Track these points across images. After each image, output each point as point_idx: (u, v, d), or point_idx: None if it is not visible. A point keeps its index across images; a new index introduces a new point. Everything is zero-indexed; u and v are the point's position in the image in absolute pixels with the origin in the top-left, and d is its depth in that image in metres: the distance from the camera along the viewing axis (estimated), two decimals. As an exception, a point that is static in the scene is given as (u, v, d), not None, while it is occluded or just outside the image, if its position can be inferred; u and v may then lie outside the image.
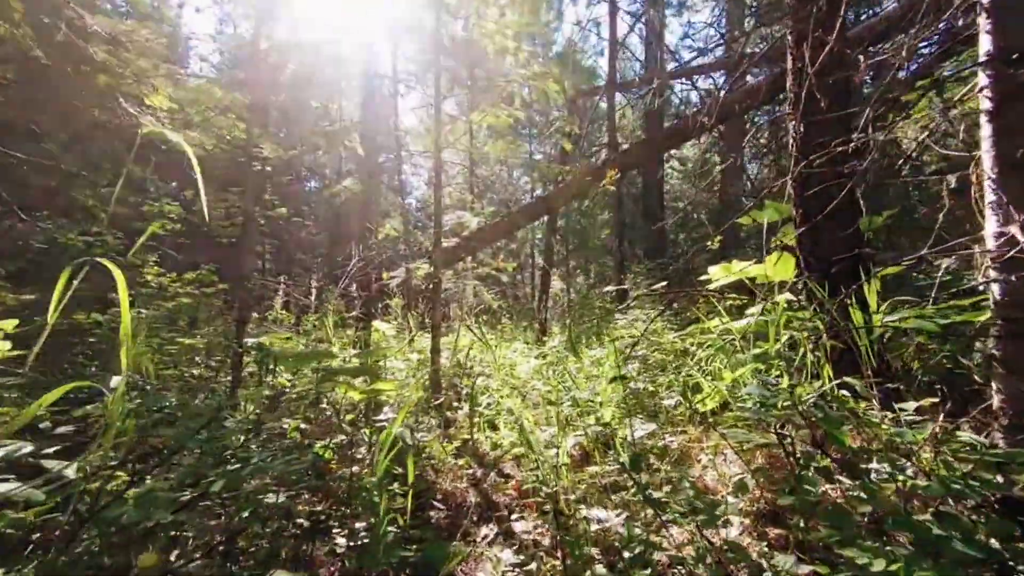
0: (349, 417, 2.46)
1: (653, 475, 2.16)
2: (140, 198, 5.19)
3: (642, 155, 5.82)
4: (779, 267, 2.72)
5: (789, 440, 1.29)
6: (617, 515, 1.68)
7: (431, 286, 5.10)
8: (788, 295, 2.90)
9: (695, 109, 6.54)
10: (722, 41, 6.80)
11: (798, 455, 1.29)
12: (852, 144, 1.62)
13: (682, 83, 7.44)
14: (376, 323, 6.05)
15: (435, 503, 2.38)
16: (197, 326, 3.82)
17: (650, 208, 11.43)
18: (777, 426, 1.38)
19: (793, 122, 1.95)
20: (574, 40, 9.46)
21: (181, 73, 3.13)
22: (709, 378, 2.06)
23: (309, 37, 5.16)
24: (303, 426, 2.65)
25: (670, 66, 8.43)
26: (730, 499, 1.72)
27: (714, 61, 6.46)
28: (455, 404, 4.25)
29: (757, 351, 1.73)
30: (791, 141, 2.00)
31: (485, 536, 2.11)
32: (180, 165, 7.23)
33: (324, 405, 3.45)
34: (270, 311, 5.26)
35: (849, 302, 1.60)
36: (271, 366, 1.77)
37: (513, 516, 2.19)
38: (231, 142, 4.14)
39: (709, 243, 3.93)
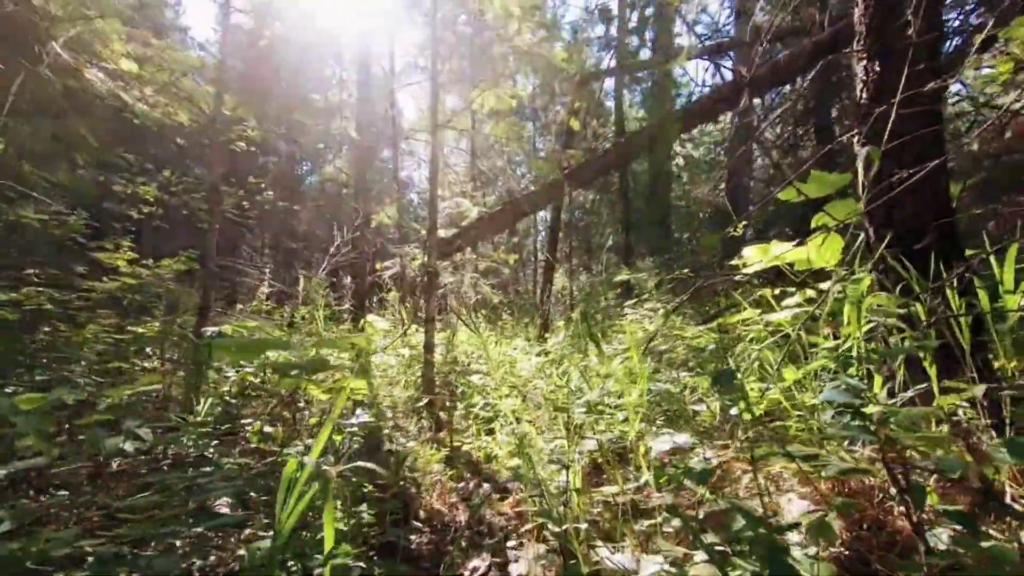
0: (314, 420, 2.08)
1: (679, 496, 1.78)
2: (112, 177, 4.81)
3: (654, 137, 5.42)
4: (825, 250, 2.34)
5: (899, 472, 0.90)
6: (638, 557, 1.30)
7: (425, 277, 4.73)
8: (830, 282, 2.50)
9: (707, 91, 6.13)
10: (736, 18, 6.40)
11: (911, 494, 0.90)
12: (946, 78, 1.25)
13: (699, 62, 7.03)
14: (370, 316, 5.69)
15: (416, 523, 2.00)
16: (175, 314, 3.45)
17: (656, 205, 11.03)
18: (874, 449, 0.98)
19: (864, 61, 1.57)
20: (581, 23, 9.07)
21: (130, 19, 2.72)
22: (753, 378, 1.68)
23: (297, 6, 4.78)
24: (267, 429, 2.27)
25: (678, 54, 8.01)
26: (791, 536, 1.33)
27: (728, 41, 6.06)
28: (448, 404, 3.88)
29: (829, 344, 1.34)
30: (859, 86, 1.61)
31: (475, 569, 1.74)
32: (160, 143, 6.86)
33: (302, 404, 3.07)
34: (253, 301, 4.89)
35: (949, 284, 1.23)
36: (209, 357, 1.39)
37: (510, 544, 1.81)
38: (212, 117, 3.74)
39: (730, 229, 3.50)
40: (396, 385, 4.31)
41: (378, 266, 6.14)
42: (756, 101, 6.88)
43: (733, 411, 1.71)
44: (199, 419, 2.09)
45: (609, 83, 15.29)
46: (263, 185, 5.22)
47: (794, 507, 1.35)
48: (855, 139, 1.63)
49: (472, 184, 9.23)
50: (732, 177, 11.50)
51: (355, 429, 1.90)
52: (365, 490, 1.70)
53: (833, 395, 1.09)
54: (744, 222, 3.46)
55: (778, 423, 1.41)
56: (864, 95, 1.58)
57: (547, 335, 5.83)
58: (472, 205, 7.11)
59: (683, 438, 1.61)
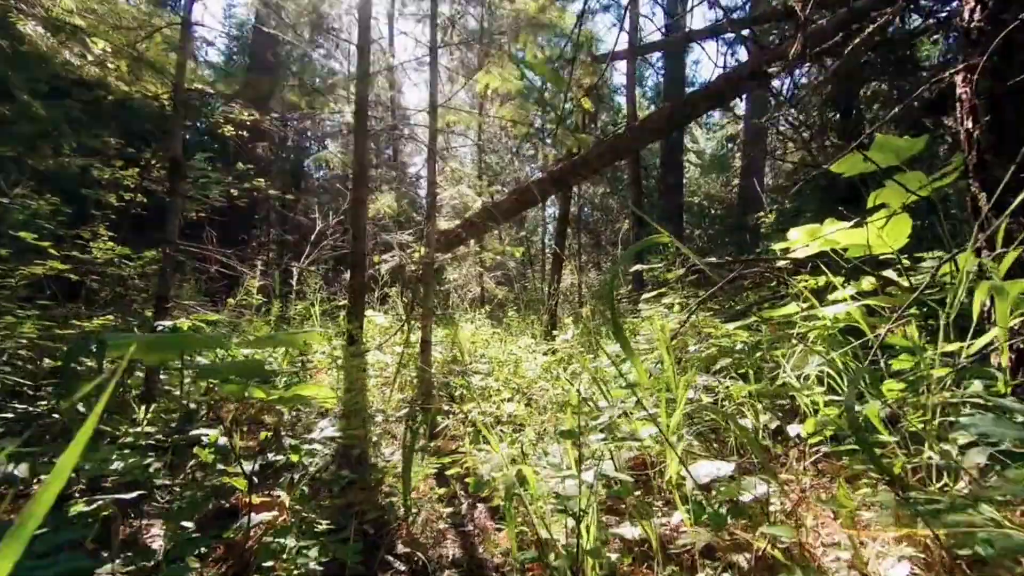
0: (264, 435, 1.73)
1: (718, 536, 1.41)
2: (90, 161, 4.51)
3: (672, 116, 4.98)
4: (892, 231, 1.95)
5: None
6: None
7: (422, 268, 4.39)
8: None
9: (730, 69, 5.69)
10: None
11: None
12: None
13: (715, 44, 6.59)
14: (369, 312, 5.36)
15: (392, 559, 1.65)
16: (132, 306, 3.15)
17: (669, 200, 10.59)
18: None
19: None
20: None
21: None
22: (819, 390, 1.30)
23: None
24: (224, 441, 1.93)
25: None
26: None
27: (759, 15, 5.61)
28: (446, 408, 3.52)
29: (950, 348, 0.97)
30: (970, 3, 1.22)
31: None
32: (141, 123, 6.57)
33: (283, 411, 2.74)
34: (246, 295, 4.56)
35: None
36: (100, 357, 1.04)
37: (505, 592, 1.45)
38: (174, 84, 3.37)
39: (762, 214, 3.11)
40: (390, 386, 3.98)
41: (376, 259, 5.79)
42: (781, 82, 6.43)
43: (793, 430, 1.33)
44: (140, 430, 1.75)
45: (620, 80, 14.89)
46: (251, 170, 4.89)
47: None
48: (958, 77, 1.25)
49: (479, 179, 8.86)
50: (746, 174, 11.04)
51: (317, 447, 1.55)
52: (320, 526, 1.35)
53: (990, 426, 0.71)
54: (777, 206, 3.07)
55: (852, 448, 1.03)
56: (976, 15, 1.19)
57: (555, 333, 5.47)
58: (477, 195, 6.75)
59: (727, 465, 1.24)
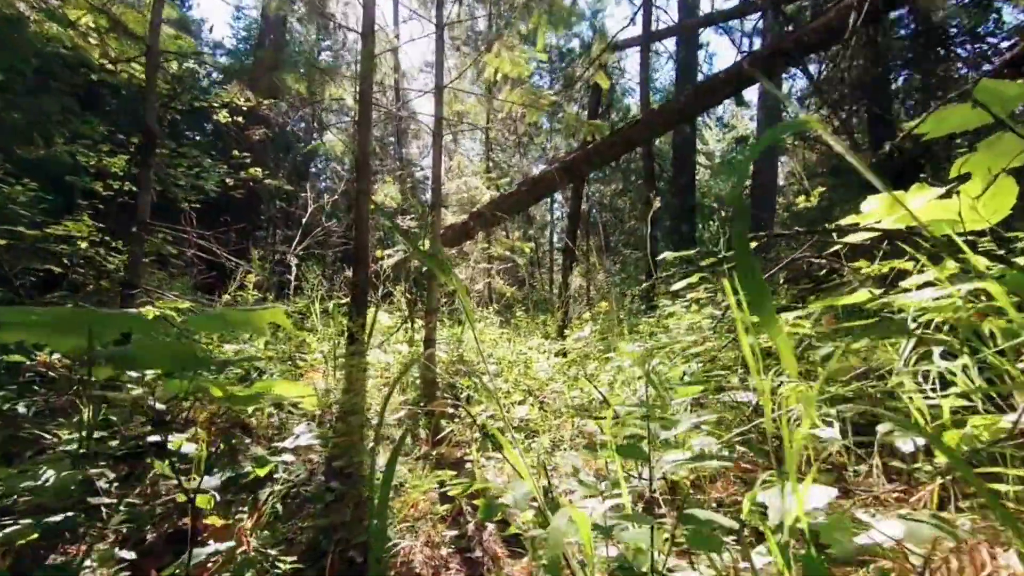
0: (219, 445, 1.43)
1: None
2: (74, 147, 4.25)
3: (685, 107, 4.65)
4: (991, 201, 1.62)
5: None
6: None
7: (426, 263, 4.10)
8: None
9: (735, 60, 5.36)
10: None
11: None
12: None
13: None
14: (372, 310, 5.08)
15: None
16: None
17: (681, 199, 10.26)
18: None
19: None
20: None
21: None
22: (951, 394, 0.98)
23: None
24: (191, 449, 1.63)
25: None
26: None
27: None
28: (450, 410, 3.22)
29: None
30: None
31: None
32: (132, 110, 6.33)
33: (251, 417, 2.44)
34: (239, 289, 4.29)
35: None
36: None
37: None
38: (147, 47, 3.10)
39: (805, 199, 2.80)
40: (391, 386, 3.68)
41: (379, 253, 5.51)
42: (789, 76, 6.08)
43: (909, 445, 1.01)
44: (82, 436, 1.46)
45: (630, 80, 14.64)
46: (247, 159, 4.62)
47: None
48: None
49: (487, 172, 8.57)
50: (757, 175, 10.69)
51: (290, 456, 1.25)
52: (284, 564, 1.04)
53: None
54: (820, 189, 2.77)
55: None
56: None
57: (566, 332, 5.15)
58: (485, 188, 6.46)
59: (830, 490, 0.92)
